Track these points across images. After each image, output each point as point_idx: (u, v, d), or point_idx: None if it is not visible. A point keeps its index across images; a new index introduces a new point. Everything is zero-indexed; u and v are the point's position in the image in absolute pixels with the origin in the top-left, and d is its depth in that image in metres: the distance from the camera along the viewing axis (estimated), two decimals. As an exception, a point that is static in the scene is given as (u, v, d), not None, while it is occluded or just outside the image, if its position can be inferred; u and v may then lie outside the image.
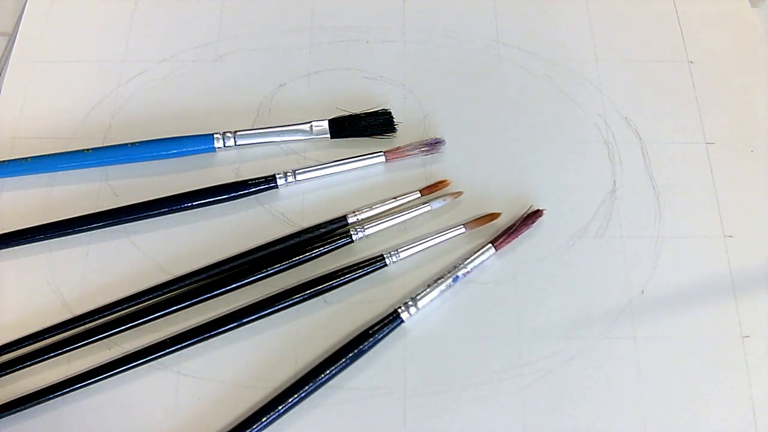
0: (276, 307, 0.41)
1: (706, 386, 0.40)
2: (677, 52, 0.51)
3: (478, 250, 0.42)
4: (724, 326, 0.42)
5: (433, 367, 0.41)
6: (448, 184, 0.45)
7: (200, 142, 0.46)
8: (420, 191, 0.44)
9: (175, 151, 0.46)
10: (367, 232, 0.43)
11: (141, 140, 0.46)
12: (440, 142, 0.46)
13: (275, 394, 0.39)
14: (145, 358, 0.40)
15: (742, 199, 0.45)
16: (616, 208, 0.45)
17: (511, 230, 0.43)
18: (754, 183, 0.46)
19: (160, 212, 0.44)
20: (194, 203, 0.44)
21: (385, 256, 0.42)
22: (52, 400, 0.39)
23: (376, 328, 0.40)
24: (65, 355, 0.41)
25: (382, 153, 0.46)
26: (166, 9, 0.53)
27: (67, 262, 0.44)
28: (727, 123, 0.48)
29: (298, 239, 0.43)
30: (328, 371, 0.39)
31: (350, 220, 0.43)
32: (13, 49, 0.51)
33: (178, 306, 0.41)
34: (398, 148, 0.46)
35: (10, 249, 0.44)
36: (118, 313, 0.41)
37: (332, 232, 0.43)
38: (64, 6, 0.53)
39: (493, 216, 0.44)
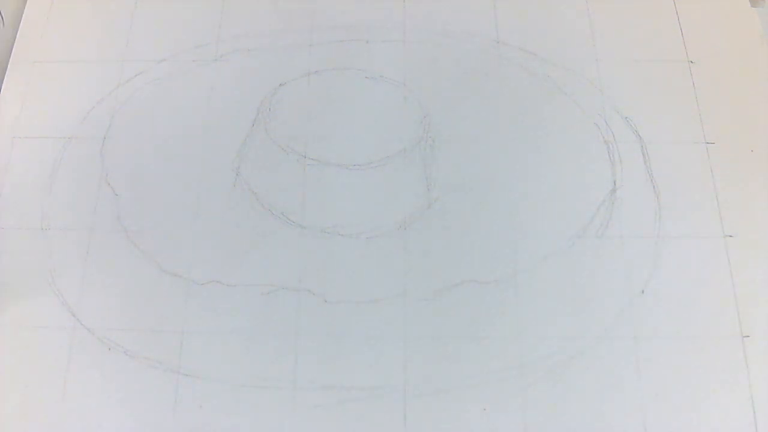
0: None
1: (706, 386, 0.40)
2: (677, 52, 0.51)
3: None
4: (724, 326, 0.42)
5: (433, 367, 0.41)
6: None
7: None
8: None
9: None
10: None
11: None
12: None
13: (275, 394, 0.39)
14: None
15: (742, 199, 0.45)
16: (616, 208, 0.45)
17: None
18: (754, 183, 0.46)
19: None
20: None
21: None
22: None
23: None
24: (65, 353, 0.41)
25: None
26: (166, 9, 0.53)
27: (67, 262, 0.44)
28: (727, 123, 0.48)
29: None
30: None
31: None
32: (13, 49, 0.51)
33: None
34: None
35: (10, 249, 0.44)
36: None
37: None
38: (64, 6, 0.53)
39: None
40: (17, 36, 0.52)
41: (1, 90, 0.50)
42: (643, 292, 0.43)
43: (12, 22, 0.53)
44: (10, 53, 0.51)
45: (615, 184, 0.46)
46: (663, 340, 0.41)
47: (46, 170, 0.47)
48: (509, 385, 0.40)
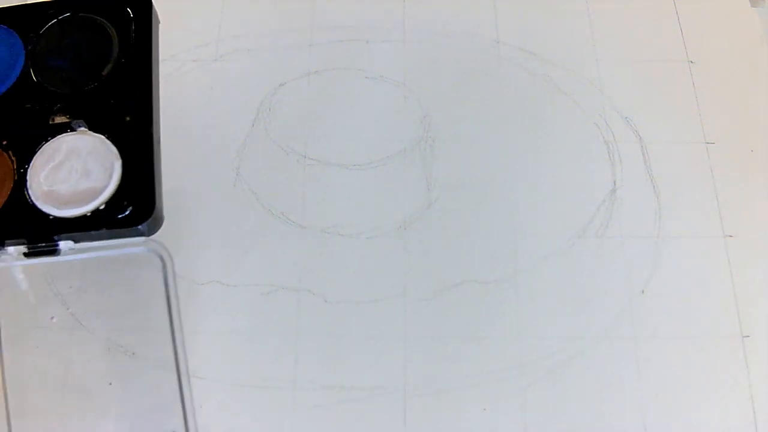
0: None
1: (706, 386, 0.40)
2: (677, 52, 0.51)
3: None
4: (724, 326, 0.42)
5: (433, 367, 0.41)
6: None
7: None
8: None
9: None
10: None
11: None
12: None
13: (275, 394, 0.39)
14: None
15: (742, 199, 0.45)
16: (616, 208, 0.45)
17: None
18: (754, 183, 0.46)
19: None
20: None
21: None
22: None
23: None
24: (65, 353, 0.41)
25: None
26: (166, 9, 0.53)
27: (68, 262, 0.44)
28: (727, 123, 0.48)
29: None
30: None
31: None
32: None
33: None
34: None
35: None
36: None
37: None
38: (64, 6, 0.53)
39: None
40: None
41: (1, 90, 0.50)
42: (643, 292, 0.43)
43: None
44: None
45: (615, 184, 0.46)
46: (663, 340, 0.41)
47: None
48: (509, 385, 0.40)
